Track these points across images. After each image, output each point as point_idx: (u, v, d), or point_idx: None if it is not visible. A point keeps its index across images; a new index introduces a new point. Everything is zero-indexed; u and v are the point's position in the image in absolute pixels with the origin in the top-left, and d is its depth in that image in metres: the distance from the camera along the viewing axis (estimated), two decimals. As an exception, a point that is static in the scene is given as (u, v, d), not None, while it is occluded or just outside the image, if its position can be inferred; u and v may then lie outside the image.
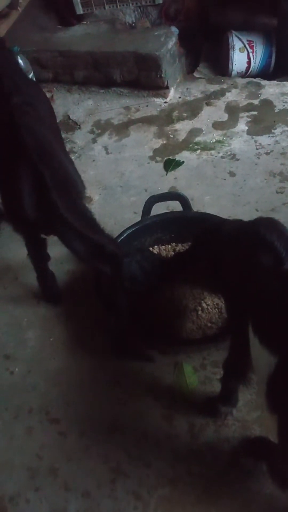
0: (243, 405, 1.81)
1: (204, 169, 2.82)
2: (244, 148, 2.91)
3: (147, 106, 3.35)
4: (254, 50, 3.41)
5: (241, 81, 3.40)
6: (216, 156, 2.89)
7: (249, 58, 3.43)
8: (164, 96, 3.38)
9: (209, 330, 2.03)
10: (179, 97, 3.38)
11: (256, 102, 3.21)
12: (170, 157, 2.93)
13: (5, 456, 1.83)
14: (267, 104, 3.18)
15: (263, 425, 1.75)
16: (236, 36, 3.43)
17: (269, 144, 2.90)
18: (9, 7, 3.42)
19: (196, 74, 3.58)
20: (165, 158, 2.93)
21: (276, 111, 3.12)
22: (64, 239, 1.80)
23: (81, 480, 1.73)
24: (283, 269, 1.28)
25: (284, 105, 3.14)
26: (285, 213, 2.48)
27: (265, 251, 1.31)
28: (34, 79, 3.35)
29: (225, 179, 2.74)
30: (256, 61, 3.44)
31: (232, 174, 2.76)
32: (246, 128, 3.04)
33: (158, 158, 2.95)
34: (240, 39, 3.42)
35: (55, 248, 2.05)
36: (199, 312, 2.07)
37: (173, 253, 2.30)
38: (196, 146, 2.98)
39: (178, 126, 3.16)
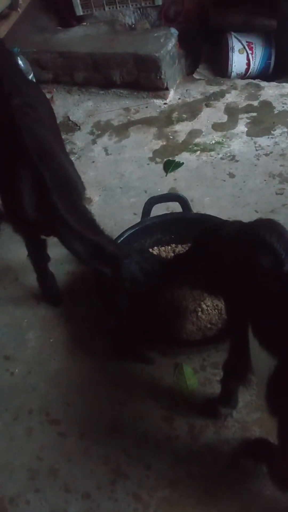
0: (243, 407, 1.81)
1: (203, 170, 2.82)
2: (244, 149, 2.91)
3: (146, 107, 3.35)
4: (254, 52, 3.42)
5: (241, 83, 3.41)
6: (215, 158, 2.89)
7: (248, 59, 3.43)
8: (164, 97, 3.38)
9: (209, 331, 2.03)
10: (179, 99, 3.38)
11: (255, 103, 3.21)
12: (170, 158, 2.94)
13: (5, 457, 1.83)
14: (266, 105, 3.19)
15: (263, 427, 1.76)
16: (236, 37, 3.43)
17: (268, 146, 2.90)
18: (9, 8, 3.42)
19: (195, 76, 3.58)
20: (165, 159, 2.94)
21: (275, 112, 3.12)
22: (64, 240, 1.80)
23: (81, 481, 1.73)
24: (283, 271, 1.28)
25: (283, 107, 3.14)
26: (285, 214, 2.48)
27: (265, 253, 1.31)
28: (34, 80, 3.35)
29: (224, 180, 2.74)
30: (256, 62, 3.44)
31: (231, 175, 2.77)
32: (246, 129, 3.04)
33: (157, 159, 2.95)
34: (239, 41, 3.43)
35: (55, 249, 2.05)
36: (199, 313, 2.07)
37: (173, 254, 2.30)
38: (195, 147, 2.98)
39: (177, 127, 3.16)
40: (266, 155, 2.85)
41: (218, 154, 2.91)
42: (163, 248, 2.35)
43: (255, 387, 1.75)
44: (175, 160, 2.91)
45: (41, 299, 2.30)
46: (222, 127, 3.10)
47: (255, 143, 2.94)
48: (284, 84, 3.32)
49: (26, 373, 2.06)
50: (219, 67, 3.59)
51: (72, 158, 2.56)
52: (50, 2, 3.80)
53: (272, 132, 2.99)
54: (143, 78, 3.35)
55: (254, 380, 1.57)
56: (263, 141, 2.94)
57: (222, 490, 1.64)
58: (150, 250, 2.32)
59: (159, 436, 1.80)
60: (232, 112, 3.18)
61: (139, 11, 3.78)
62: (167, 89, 3.37)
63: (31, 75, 3.34)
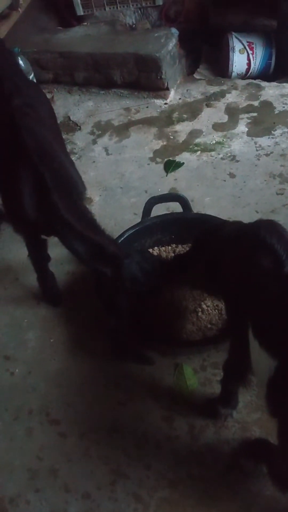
0: (243, 407, 1.81)
1: (204, 171, 2.82)
2: (244, 149, 2.91)
3: (147, 107, 3.35)
4: (254, 52, 3.42)
5: (241, 83, 3.41)
6: (216, 158, 2.89)
7: (249, 59, 3.43)
8: (164, 97, 3.38)
9: (209, 331, 2.03)
10: (179, 99, 3.38)
11: (256, 103, 3.21)
12: (170, 158, 2.94)
13: (5, 457, 1.83)
14: (267, 105, 3.19)
15: (263, 427, 1.75)
16: (236, 37, 3.43)
17: (269, 146, 2.90)
18: (10, 8, 3.43)
19: (196, 76, 3.58)
20: (165, 159, 2.94)
21: (276, 112, 3.12)
22: (64, 240, 1.80)
23: (81, 481, 1.73)
24: (283, 272, 1.28)
25: (284, 107, 3.14)
26: (285, 214, 2.48)
27: (265, 254, 1.31)
28: (35, 80, 3.35)
29: (225, 181, 2.74)
30: (256, 62, 3.44)
31: (232, 175, 2.77)
32: (246, 129, 3.04)
33: (158, 159, 2.95)
34: (240, 41, 3.43)
35: (56, 249, 2.05)
36: (199, 314, 2.07)
37: (173, 255, 2.30)
38: (196, 148, 2.98)
39: (178, 127, 3.16)
40: (267, 155, 2.85)
41: (219, 154, 2.91)
42: (163, 248, 2.35)
43: (255, 388, 1.75)
44: (175, 160, 2.91)
45: (41, 299, 2.30)
46: (222, 127, 3.10)
47: (255, 143, 2.94)
48: (284, 84, 3.32)
49: (26, 373, 2.06)
50: (220, 67, 3.59)
51: (72, 158, 2.55)
52: (51, 2, 3.80)
53: (272, 132, 2.99)
54: (144, 78, 3.35)
55: (254, 380, 1.57)
56: (264, 141, 2.94)
57: (222, 490, 1.64)
58: (151, 250, 2.32)
59: (159, 436, 1.80)
60: (233, 112, 3.18)
61: (139, 11, 3.78)
62: (167, 89, 3.37)
63: (32, 75, 3.34)
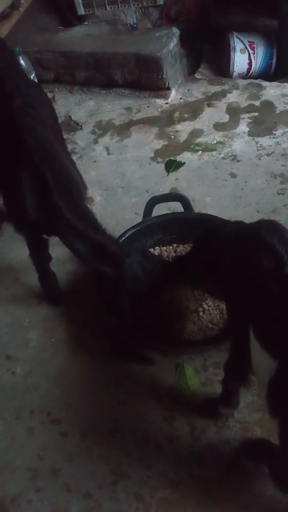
0: (244, 407, 1.81)
1: (205, 170, 2.82)
2: (245, 149, 2.91)
3: (148, 107, 3.35)
4: (255, 51, 3.41)
5: (242, 82, 3.40)
6: (217, 157, 2.89)
7: (250, 59, 3.43)
8: (165, 97, 3.38)
9: (210, 331, 2.03)
10: (180, 98, 3.38)
11: (257, 103, 3.21)
12: (171, 158, 2.93)
13: (7, 457, 1.83)
14: (268, 105, 3.18)
15: (264, 427, 1.75)
16: (237, 37, 3.43)
17: (270, 145, 2.90)
18: (11, 8, 3.42)
19: (197, 75, 3.58)
20: (166, 159, 2.93)
21: (277, 112, 3.12)
22: (65, 239, 1.81)
23: (82, 481, 1.73)
24: (284, 272, 1.28)
25: (285, 106, 3.14)
26: (286, 214, 2.48)
27: (266, 254, 1.31)
28: (36, 80, 3.35)
29: (226, 180, 2.74)
30: (257, 62, 3.44)
31: (233, 175, 2.77)
32: (247, 129, 3.04)
33: (159, 159, 2.95)
34: (241, 40, 3.42)
35: (57, 249, 2.05)
36: (200, 313, 2.07)
37: (174, 254, 2.30)
38: (197, 147, 2.98)
39: (179, 127, 3.16)
40: (268, 155, 2.84)
41: (220, 154, 2.91)
42: (164, 248, 2.35)
43: (257, 387, 1.74)
44: (176, 160, 2.91)
45: (43, 298, 2.30)
46: (223, 127, 3.09)
47: (256, 143, 2.94)
48: (285, 84, 3.32)
49: (28, 373, 2.06)
50: (221, 67, 3.58)
51: (73, 158, 2.57)
52: (52, 2, 3.80)
53: (273, 132, 2.98)
54: (145, 78, 3.35)
55: (255, 380, 1.57)
56: (265, 141, 2.94)
57: (223, 491, 1.64)
58: (152, 250, 2.32)
59: (160, 437, 1.80)
60: (234, 112, 3.18)
61: (140, 11, 3.77)
62: (168, 88, 3.36)
63: (33, 74, 3.34)
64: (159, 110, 3.32)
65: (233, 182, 2.73)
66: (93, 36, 3.56)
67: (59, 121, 2.72)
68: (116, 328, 1.95)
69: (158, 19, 3.81)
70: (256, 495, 1.62)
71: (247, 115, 3.14)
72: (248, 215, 2.42)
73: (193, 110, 3.26)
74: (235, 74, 3.49)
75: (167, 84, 3.33)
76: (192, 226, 2.21)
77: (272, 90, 3.29)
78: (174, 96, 3.40)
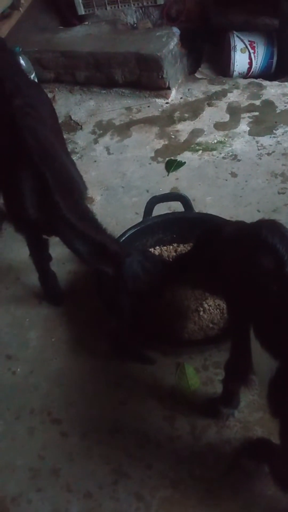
0: (245, 406, 1.81)
1: (205, 170, 2.82)
2: (246, 148, 2.91)
3: (148, 106, 3.35)
4: (256, 51, 3.41)
5: (243, 82, 3.40)
6: (217, 157, 2.89)
7: (250, 58, 3.42)
8: (166, 96, 3.38)
9: (210, 331, 2.03)
10: (181, 98, 3.38)
11: (257, 102, 3.21)
12: (172, 158, 2.93)
13: (7, 456, 1.83)
14: (268, 104, 3.18)
15: (265, 426, 1.75)
16: (238, 36, 3.43)
17: (270, 145, 2.90)
18: (11, 8, 3.43)
19: (197, 75, 3.58)
20: (167, 159, 2.93)
21: (277, 111, 3.12)
22: (66, 239, 1.81)
23: (83, 481, 1.73)
24: (285, 272, 1.27)
25: (285, 106, 3.14)
26: (287, 214, 2.48)
27: (267, 254, 1.31)
28: (36, 80, 3.35)
29: (226, 180, 2.74)
30: (258, 61, 3.43)
31: (233, 174, 2.76)
32: (248, 128, 3.04)
33: (159, 159, 2.95)
34: (241, 40, 3.42)
35: (57, 248, 2.05)
36: (201, 313, 2.07)
37: (174, 254, 2.30)
38: (197, 147, 2.98)
39: (179, 126, 3.16)
40: (268, 154, 2.84)
41: (220, 153, 2.91)
42: (165, 247, 2.35)
43: (257, 387, 1.74)
44: (177, 160, 2.91)
45: (43, 298, 2.30)
46: (224, 126, 3.09)
47: (257, 142, 2.93)
48: (286, 83, 3.32)
49: (28, 373, 2.06)
50: (221, 66, 3.58)
51: (74, 158, 2.57)
52: (52, 2, 3.79)
53: (274, 131, 2.98)
54: (145, 78, 3.34)
55: (256, 380, 1.56)
56: (265, 140, 2.94)
57: (224, 490, 1.64)
58: (152, 249, 2.32)
59: (160, 436, 1.80)
60: (234, 111, 3.17)
61: (141, 11, 3.77)
62: (169, 88, 3.36)
63: (33, 74, 3.34)
64: (160, 109, 3.32)
65: (233, 181, 2.73)
66: (93, 36, 3.55)
67: (59, 121, 2.72)
68: (116, 327, 1.95)
69: (159, 18, 3.81)
70: (257, 494, 1.62)
71: (248, 114, 3.13)
72: (249, 215, 2.42)
73: (193, 109, 3.26)
74: (235, 73, 3.48)
75: (167, 83, 3.33)
76: (193, 225, 2.21)
77: (273, 90, 3.29)
78: (174, 95, 3.39)
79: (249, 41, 3.42)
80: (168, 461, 1.73)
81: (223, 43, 3.53)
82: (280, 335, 1.25)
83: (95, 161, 3.01)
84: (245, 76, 3.50)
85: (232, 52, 3.41)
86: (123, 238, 2.19)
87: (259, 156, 2.84)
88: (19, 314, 2.28)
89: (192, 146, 2.99)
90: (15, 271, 2.45)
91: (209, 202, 2.61)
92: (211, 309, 2.08)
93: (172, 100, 3.37)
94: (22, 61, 3.20)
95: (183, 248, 2.32)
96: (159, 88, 3.36)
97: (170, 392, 1.91)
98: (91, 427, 1.86)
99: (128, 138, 3.15)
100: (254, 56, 3.41)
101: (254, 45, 3.41)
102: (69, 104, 3.48)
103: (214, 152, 2.92)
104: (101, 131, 3.23)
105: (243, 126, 3.06)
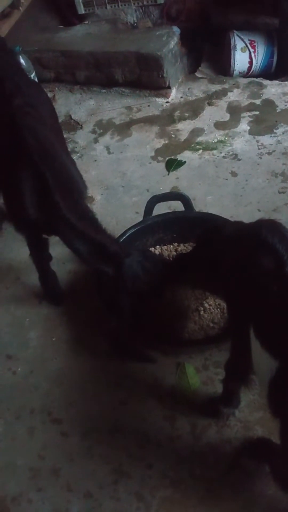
0: (245, 406, 1.81)
1: (206, 169, 2.82)
2: (246, 148, 2.90)
3: (148, 106, 3.35)
4: (256, 50, 3.41)
5: (243, 81, 3.40)
6: (218, 156, 2.89)
7: (251, 58, 3.42)
8: (166, 96, 3.37)
9: (211, 330, 2.03)
10: (181, 97, 3.37)
11: (258, 102, 3.20)
12: (172, 157, 2.93)
13: (7, 456, 1.83)
14: (269, 104, 3.18)
15: (265, 426, 1.75)
16: (238, 36, 3.42)
17: (271, 144, 2.89)
18: (11, 7, 3.42)
19: (197, 74, 3.57)
20: (167, 158, 2.93)
21: (278, 111, 3.11)
22: (66, 239, 1.81)
23: (83, 480, 1.73)
24: (285, 272, 1.27)
25: (286, 105, 3.13)
26: (287, 213, 2.48)
27: (267, 254, 1.31)
28: (36, 79, 3.35)
29: (227, 179, 2.74)
30: (258, 61, 3.43)
31: (234, 174, 2.76)
32: (248, 128, 3.04)
33: (160, 158, 2.95)
34: (241, 39, 3.42)
35: (57, 248, 2.05)
36: (201, 312, 2.07)
37: (175, 253, 2.30)
38: (198, 146, 2.98)
39: (180, 126, 3.16)
40: (269, 153, 2.84)
41: (221, 152, 2.91)
42: (165, 247, 2.34)
43: (258, 386, 1.74)
44: (177, 159, 2.91)
45: (43, 298, 2.30)
46: (224, 125, 3.09)
47: (257, 141, 2.93)
48: (286, 82, 3.31)
49: (28, 372, 2.06)
50: (221, 66, 3.58)
51: (74, 157, 2.56)
52: (52, 1, 3.80)
53: (274, 130, 2.98)
54: (145, 77, 3.34)
55: (256, 379, 1.56)
56: (266, 139, 2.93)
57: (224, 490, 1.64)
58: (152, 249, 2.32)
59: (161, 436, 1.79)
60: (235, 110, 3.17)
61: (141, 10, 3.77)
62: (169, 87, 3.36)
63: (33, 74, 3.34)
64: (160, 109, 3.31)
65: (234, 181, 2.72)
66: (93, 35, 3.55)
67: (60, 121, 2.72)
68: (116, 327, 1.95)
69: (159, 18, 3.81)
70: (257, 494, 1.61)
71: (248, 113, 3.13)
72: (249, 214, 2.42)
73: (193, 109, 3.26)
74: (235, 72, 3.48)
75: (167, 83, 3.33)
76: (193, 225, 2.21)
77: (273, 89, 3.28)
78: (174, 95, 3.39)
79: (249, 40, 3.41)
80: (169, 461, 1.73)
81: (223, 42, 3.53)
82: (280, 335, 1.24)
83: (95, 160, 3.01)
84: (245, 75, 3.49)
85: (232, 51, 3.41)
86: (124, 237, 2.19)
87: (259, 155, 2.84)
88: (19, 313, 2.28)
89: (193, 145, 2.99)
90: (15, 271, 2.45)
91: (210, 201, 2.61)
92: (212, 309, 2.08)
93: (172, 99, 3.37)
94: (22, 61, 3.20)
95: (183, 247, 2.32)
96: (159, 87, 3.36)
97: (170, 392, 1.91)
98: (91, 427, 1.86)
99: (128, 137, 3.14)
100: (254, 55, 3.41)
101: (254, 44, 3.40)
102: (69, 104, 3.48)
103: (215, 152, 2.92)
104: (101, 131, 3.23)
105: (244, 125, 3.05)
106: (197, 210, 2.37)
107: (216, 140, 2.99)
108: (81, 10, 3.65)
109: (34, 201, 1.77)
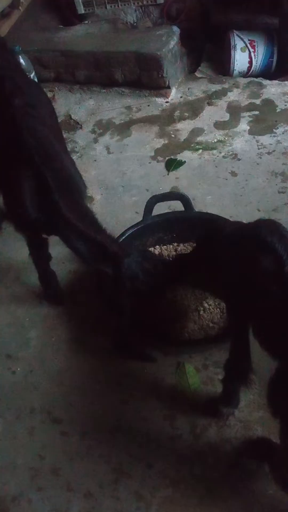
0: (245, 406, 1.81)
1: (205, 169, 2.82)
2: (246, 148, 2.90)
3: (148, 105, 3.35)
4: (256, 50, 3.41)
5: (243, 81, 3.40)
6: (217, 156, 2.89)
7: (250, 57, 3.42)
8: (166, 95, 3.37)
9: (211, 330, 2.03)
10: (181, 97, 3.37)
11: (257, 101, 3.20)
12: (172, 157, 2.93)
13: (7, 456, 1.83)
14: (268, 103, 3.18)
15: (266, 425, 1.75)
16: (238, 35, 3.42)
17: (270, 144, 2.89)
18: (11, 7, 3.43)
19: (197, 74, 3.57)
20: (167, 158, 2.93)
21: (277, 110, 3.12)
22: (66, 239, 1.81)
23: (83, 480, 1.73)
24: (284, 272, 1.27)
25: (286, 105, 3.14)
26: (287, 213, 2.48)
27: (266, 254, 1.31)
28: (36, 79, 3.35)
29: (226, 179, 2.74)
30: (258, 60, 3.43)
31: (233, 174, 2.76)
32: (248, 127, 3.04)
33: (159, 158, 2.95)
34: (241, 39, 3.42)
35: (57, 248, 2.05)
36: (201, 312, 2.07)
37: (174, 253, 2.30)
38: (197, 146, 2.98)
39: (179, 125, 3.16)
40: (269, 153, 2.84)
41: (220, 152, 2.91)
42: (165, 247, 2.34)
43: (257, 386, 1.74)
44: (177, 159, 2.91)
45: (43, 298, 2.30)
46: (224, 125, 3.09)
47: (257, 141, 2.93)
48: (286, 82, 3.32)
49: (28, 372, 2.06)
50: (221, 66, 3.58)
51: (73, 157, 2.56)
52: (52, 1, 3.80)
53: (274, 130, 2.98)
54: (145, 77, 3.34)
55: (256, 379, 1.56)
56: (266, 139, 2.93)
57: (224, 490, 1.64)
58: (152, 249, 2.32)
59: (161, 436, 1.80)
60: (234, 110, 3.17)
61: (140, 10, 3.77)
62: (169, 87, 3.36)
63: (33, 74, 3.34)
64: (160, 109, 3.31)
65: (233, 181, 2.72)
66: (93, 35, 3.55)
67: (59, 120, 2.72)
68: (116, 327, 1.95)
69: (159, 17, 3.81)
70: (257, 494, 1.61)
71: (248, 113, 3.13)
72: (249, 214, 2.42)
73: (193, 108, 3.26)
74: (235, 72, 3.48)
75: (167, 82, 3.33)
76: (193, 225, 2.21)
77: (273, 89, 3.28)
78: (174, 94, 3.39)
79: (249, 40, 3.41)
80: (169, 460, 1.73)
81: (223, 42, 3.53)
82: (280, 335, 1.25)
83: (95, 160, 3.01)
84: (245, 75, 3.49)
85: (232, 51, 3.41)
86: (123, 237, 2.19)
87: (259, 155, 2.84)
88: (19, 313, 2.28)
89: (192, 145, 2.99)
90: (15, 271, 2.45)
91: (209, 201, 2.61)
92: (211, 309, 2.08)
93: (172, 99, 3.37)
94: (22, 61, 3.19)
95: (183, 247, 2.32)
96: (159, 87, 3.36)
97: (170, 392, 1.91)
98: (91, 427, 1.86)
99: (128, 137, 3.14)
100: (254, 55, 3.41)
101: (254, 44, 3.41)
102: (69, 103, 3.48)
103: (214, 151, 2.92)
104: (101, 130, 3.23)
105: (243, 125, 3.06)
106: (197, 210, 2.36)
107: (216, 140, 3.00)
108: (81, 10, 3.65)
109: (34, 201, 1.77)
